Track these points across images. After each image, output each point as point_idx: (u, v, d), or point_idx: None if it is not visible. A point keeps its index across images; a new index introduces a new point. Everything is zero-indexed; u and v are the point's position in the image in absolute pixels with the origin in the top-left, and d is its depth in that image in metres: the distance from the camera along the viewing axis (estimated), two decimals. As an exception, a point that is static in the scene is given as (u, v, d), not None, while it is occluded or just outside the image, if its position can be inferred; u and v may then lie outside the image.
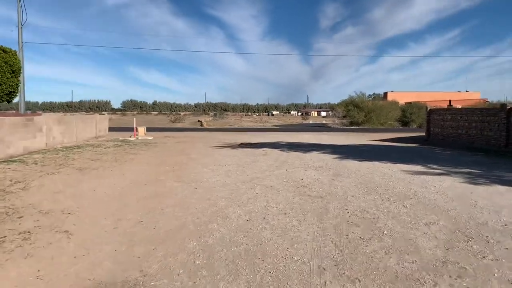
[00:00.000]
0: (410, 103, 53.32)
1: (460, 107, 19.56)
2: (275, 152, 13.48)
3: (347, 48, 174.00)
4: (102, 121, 21.09)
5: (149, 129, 31.86)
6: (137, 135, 22.38)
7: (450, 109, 18.35)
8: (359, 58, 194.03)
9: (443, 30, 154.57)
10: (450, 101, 63.36)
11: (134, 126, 22.15)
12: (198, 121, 52.41)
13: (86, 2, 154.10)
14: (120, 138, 20.09)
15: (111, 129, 30.76)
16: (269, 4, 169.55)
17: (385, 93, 73.94)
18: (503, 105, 14.90)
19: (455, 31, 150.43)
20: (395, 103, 50.54)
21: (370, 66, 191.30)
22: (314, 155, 12.68)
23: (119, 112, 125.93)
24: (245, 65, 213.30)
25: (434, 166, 9.84)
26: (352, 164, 10.24)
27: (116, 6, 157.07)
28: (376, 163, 10.53)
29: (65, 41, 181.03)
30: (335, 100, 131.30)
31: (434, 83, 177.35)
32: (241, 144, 17.15)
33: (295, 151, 13.85)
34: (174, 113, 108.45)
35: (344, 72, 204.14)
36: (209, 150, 14.68)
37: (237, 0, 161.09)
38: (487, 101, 53.19)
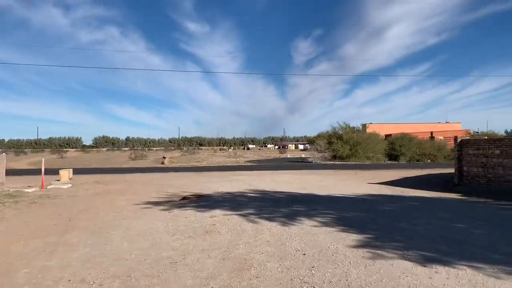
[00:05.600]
0: (390, 135, 48.97)
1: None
2: (231, 224, 7.27)
3: (321, 82, 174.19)
4: (-12, 163, 14.32)
5: (92, 171, 25.14)
6: (59, 180, 15.88)
7: (501, 140, 12.15)
8: (333, 93, 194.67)
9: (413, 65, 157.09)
10: (431, 132, 59.90)
11: (42, 171, 15.48)
12: (163, 157, 45.94)
13: (59, 39, 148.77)
14: (11, 190, 13.42)
15: (36, 172, 23.90)
16: (244, 41, 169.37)
17: (364, 125, 69.72)
18: None
19: (425, 65, 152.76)
20: (379, 135, 45.86)
21: (343, 100, 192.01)
22: (306, 234, 6.41)
23: (88, 149, 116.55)
24: (222, 99, 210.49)
25: None
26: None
27: (91, 42, 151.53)
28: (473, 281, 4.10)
29: (37, 76, 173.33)
30: (311, 133, 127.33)
31: (406, 116, 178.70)
32: (185, 198, 10.86)
33: (268, 219, 7.65)
34: (144, 148, 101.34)
35: (319, 106, 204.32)
36: (123, 214, 8.39)
37: (212, 37, 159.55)
38: (476, 132, 49.41)
